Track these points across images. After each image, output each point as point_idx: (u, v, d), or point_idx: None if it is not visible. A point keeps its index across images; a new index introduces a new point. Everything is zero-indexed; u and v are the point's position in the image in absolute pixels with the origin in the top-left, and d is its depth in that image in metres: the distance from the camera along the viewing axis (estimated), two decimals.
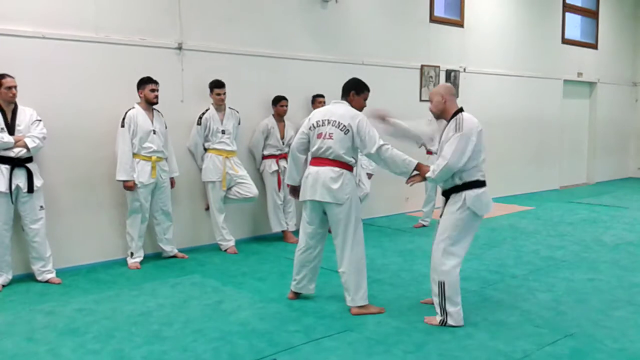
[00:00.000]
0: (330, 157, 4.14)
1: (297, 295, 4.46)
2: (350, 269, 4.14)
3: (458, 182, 3.85)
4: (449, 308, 3.84)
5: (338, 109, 4.24)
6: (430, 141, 4.36)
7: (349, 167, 4.16)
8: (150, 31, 5.77)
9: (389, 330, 3.82)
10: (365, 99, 4.35)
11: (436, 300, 3.90)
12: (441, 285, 3.85)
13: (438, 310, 3.90)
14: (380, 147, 4.08)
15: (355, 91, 4.29)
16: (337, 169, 4.11)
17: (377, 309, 4.17)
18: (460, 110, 3.92)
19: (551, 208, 8.80)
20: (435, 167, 3.89)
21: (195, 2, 6.06)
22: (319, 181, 4.12)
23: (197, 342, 3.64)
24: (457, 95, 4.14)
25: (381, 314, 4.12)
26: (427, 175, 3.96)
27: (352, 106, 4.26)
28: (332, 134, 4.14)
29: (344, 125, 4.12)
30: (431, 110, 4.03)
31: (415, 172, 4.05)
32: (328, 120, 4.18)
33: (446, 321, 3.85)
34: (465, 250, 3.92)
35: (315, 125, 4.23)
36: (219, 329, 3.86)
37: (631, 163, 13.10)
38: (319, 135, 4.18)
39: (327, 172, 4.11)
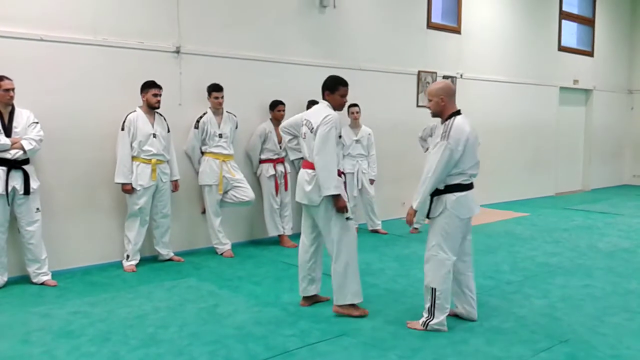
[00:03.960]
0: (306, 158, 4.20)
1: (308, 301, 4.41)
2: (335, 268, 4.16)
3: (440, 186, 3.83)
4: (437, 314, 3.84)
5: (317, 109, 4.26)
6: None
7: None
8: (149, 34, 5.78)
9: (385, 335, 3.82)
10: (343, 95, 4.21)
11: (426, 305, 3.89)
12: (433, 292, 3.84)
13: (425, 313, 3.89)
14: (318, 152, 4.03)
15: (329, 90, 4.22)
16: (310, 171, 4.15)
17: (358, 312, 4.15)
18: (457, 113, 3.85)
19: (547, 214, 8.82)
20: (417, 193, 3.83)
21: (193, 6, 6.07)
22: (300, 183, 4.23)
23: (192, 345, 3.63)
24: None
25: (378, 319, 4.10)
26: (415, 206, 3.87)
27: (332, 105, 4.21)
28: (305, 133, 4.22)
29: (312, 124, 4.15)
30: (429, 108, 3.98)
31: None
32: (305, 120, 4.26)
33: (429, 324, 3.84)
34: (455, 253, 3.87)
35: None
36: (214, 332, 3.85)
37: (626, 170, 13.15)
38: (302, 137, 4.29)
39: (303, 174, 4.20)
